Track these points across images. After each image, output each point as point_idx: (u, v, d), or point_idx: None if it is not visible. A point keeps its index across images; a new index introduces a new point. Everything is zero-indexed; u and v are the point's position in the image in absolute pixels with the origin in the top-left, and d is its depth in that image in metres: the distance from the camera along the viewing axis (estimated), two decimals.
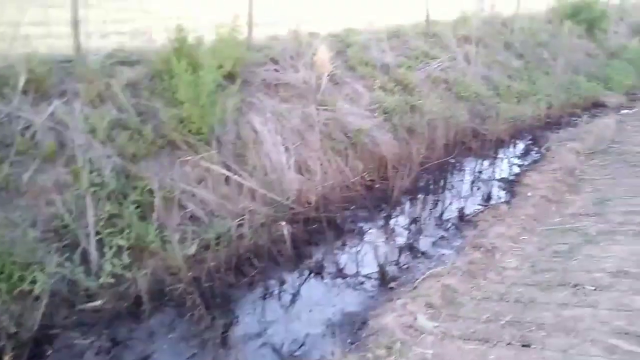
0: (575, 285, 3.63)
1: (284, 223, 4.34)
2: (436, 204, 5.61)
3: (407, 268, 4.24)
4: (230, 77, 5.46)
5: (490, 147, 7.18)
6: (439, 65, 8.21)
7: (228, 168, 4.70)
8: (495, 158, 7.12)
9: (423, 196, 5.77)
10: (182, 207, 4.29)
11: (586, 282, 3.65)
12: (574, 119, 9.06)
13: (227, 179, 4.65)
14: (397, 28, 9.05)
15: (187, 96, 4.50)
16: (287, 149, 5.29)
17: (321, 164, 5.44)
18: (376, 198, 5.49)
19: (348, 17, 10.03)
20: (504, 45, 10.44)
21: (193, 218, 4.30)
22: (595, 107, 9.96)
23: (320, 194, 5.17)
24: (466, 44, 9.41)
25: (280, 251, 4.28)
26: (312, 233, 4.68)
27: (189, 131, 4.63)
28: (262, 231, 4.39)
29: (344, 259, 4.36)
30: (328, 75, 6.44)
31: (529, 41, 11.11)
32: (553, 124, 8.68)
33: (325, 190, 5.28)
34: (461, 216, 5.22)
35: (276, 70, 6.19)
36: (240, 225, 4.33)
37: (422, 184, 6.02)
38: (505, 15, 11.72)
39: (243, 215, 4.40)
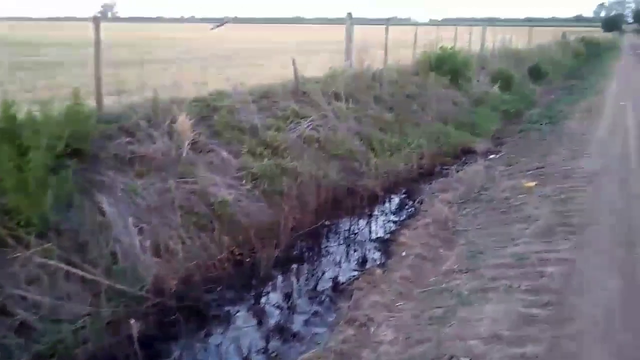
0: (451, 358, 3.41)
1: (132, 320, 3.80)
2: (310, 274, 5.31)
3: (276, 356, 3.84)
4: (75, 154, 4.93)
5: (365, 205, 7.07)
6: (310, 124, 8.09)
7: (68, 261, 4.12)
8: (370, 216, 7.00)
9: (296, 266, 5.45)
10: (8, 314, 3.65)
11: (461, 353, 3.44)
12: (445, 167, 9.25)
13: (67, 274, 4.07)
14: (267, 88, 8.92)
15: (12, 184, 3.92)
16: (141, 230, 4.78)
17: (183, 243, 4.98)
18: (246, 274, 5.09)
19: (216, 79, 9.80)
20: (375, 99, 10.62)
21: (23, 326, 3.67)
22: (465, 154, 10.28)
23: (182, 277, 4.69)
24: (337, 101, 9.44)
25: (128, 355, 3.73)
26: (170, 325, 4.17)
27: (18, 224, 4.03)
28: (107, 332, 3.83)
29: (205, 354, 3.89)
30: (190, 144, 6.06)
31: (398, 94, 11.41)
32: (426, 174, 8.80)
33: (188, 272, 4.80)
34: (336, 286, 4.95)
35: (130, 143, 5.72)
36: (82, 328, 3.75)
37: (295, 252, 5.71)
38: (374, 69, 12.03)
39: (86, 315, 3.83)
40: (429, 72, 13.40)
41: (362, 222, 6.76)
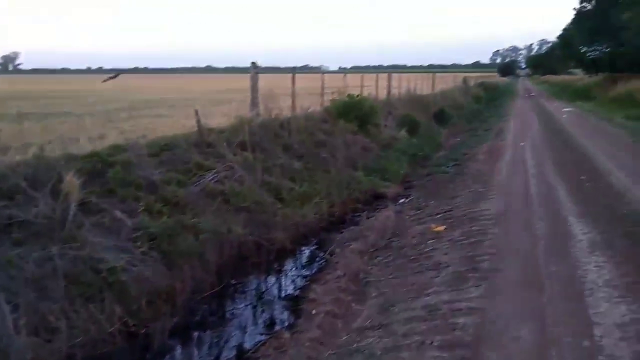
0: None
1: None
2: (212, 342, 4.89)
3: None
4: None
5: (274, 260, 6.75)
6: (214, 177, 7.75)
7: None
8: (279, 272, 6.69)
9: (197, 334, 5.02)
10: None
11: None
12: (357, 215, 9.13)
13: None
14: (169, 140, 8.53)
15: None
16: (15, 307, 4.22)
17: (67, 318, 4.44)
18: (139, 348, 4.60)
19: (117, 132, 9.33)
20: (283, 148, 10.45)
21: None
22: (376, 199, 10.24)
23: (64, 358, 4.14)
24: (243, 151, 9.18)
25: None
26: None
27: None
28: None
29: None
30: (78, 205, 5.55)
31: (307, 142, 11.31)
32: (337, 223, 8.63)
33: (73, 350, 4.26)
34: (240, 354, 4.56)
35: (7, 207, 5.14)
36: None
37: (196, 318, 5.29)
38: (283, 117, 11.92)
39: None
40: (337, 119, 13.48)
41: (271, 279, 6.43)
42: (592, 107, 28.76)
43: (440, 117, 22.83)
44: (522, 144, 14.98)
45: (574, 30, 48.35)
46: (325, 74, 19.69)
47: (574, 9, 46.58)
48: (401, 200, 10.28)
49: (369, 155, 12.92)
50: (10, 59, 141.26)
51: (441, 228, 7.45)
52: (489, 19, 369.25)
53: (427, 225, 7.76)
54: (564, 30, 57.24)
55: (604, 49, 44.10)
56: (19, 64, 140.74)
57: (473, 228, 7.09)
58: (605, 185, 9.08)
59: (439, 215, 8.31)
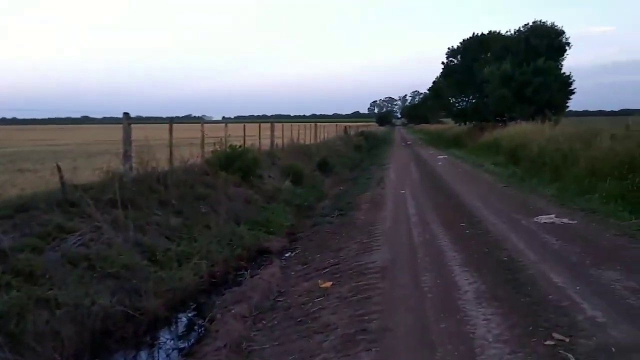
0: None
1: None
2: None
3: None
4: None
5: (146, 331, 6.05)
6: (78, 240, 6.94)
7: None
8: (151, 345, 5.99)
9: None
10: None
11: None
12: (240, 273, 8.63)
13: None
14: (26, 200, 7.60)
15: None
16: None
17: None
18: None
19: None
20: (160, 204, 9.79)
21: None
22: (261, 254, 9.81)
23: None
24: (115, 209, 8.43)
25: None
26: None
27: None
28: None
29: None
30: None
31: (187, 196, 10.71)
32: (219, 284, 8.06)
33: None
34: None
35: None
36: None
37: None
38: (160, 170, 11.25)
39: None
40: (219, 171, 13.00)
41: (141, 356, 5.72)
42: (463, 154, 30.52)
43: (324, 167, 23.05)
44: (402, 191, 15.30)
45: (443, 82, 51.90)
46: (208, 124, 19.20)
47: (442, 62, 50.05)
48: (287, 254, 9.92)
49: (252, 208, 12.50)
50: None
51: (328, 284, 7.14)
52: (367, 72, 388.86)
53: (314, 282, 7.42)
54: (434, 82, 61.41)
55: (470, 100, 47.60)
56: None
57: (360, 283, 6.85)
58: (484, 232, 9.31)
59: (326, 270, 8.02)
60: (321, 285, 7.15)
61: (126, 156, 9.90)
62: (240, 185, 13.55)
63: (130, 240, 7.77)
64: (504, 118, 36.30)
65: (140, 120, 13.42)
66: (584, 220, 10.14)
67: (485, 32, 45.89)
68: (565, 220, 10.04)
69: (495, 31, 44.48)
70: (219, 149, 14.44)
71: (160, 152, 11.92)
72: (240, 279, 8.25)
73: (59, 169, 7.92)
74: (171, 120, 12.14)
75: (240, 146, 14.70)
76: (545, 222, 9.91)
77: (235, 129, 19.75)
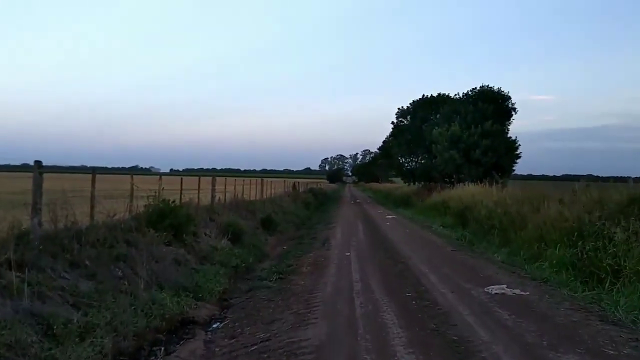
0: None
1: None
2: None
3: None
4: None
5: None
6: None
7: None
8: None
9: None
10: None
11: None
12: (155, 349, 7.47)
13: None
14: None
15: None
16: None
17: None
18: None
19: None
20: (70, 265, 8.60)
21: None
22: (184, 325, 8.67)
23: None
24: (10, 271, 7.23)
25: None
26: None
27: None
28: None
29: None
30: None
31: (105, 256, 9.54)
32: None
33: None
34: None
35: None
36: None
37: None
38: (79, 227, 10.09)
39: None
40: (146, 228, 11.88)
41: None
42: (412, 214, 30.18)
43: (268, 224, 22.07)
44: (347, 253, 14.50)
45: (393, 142, 52.38)
46: (149, 176, 18.16)
47: (392, 122, 50.65)
48: (215, 325, 8.83)
49: (183, 270, 11.37)
50: None
51: None
52: (319, 129, 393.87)
53: None
54: (384, 141, 62.04)
55: (419, 161, 48.04)
56: None
57: None
58: (432, 303, 8.53)
59: (254, 347, 6.99)
60: None
61: (35, 209, 8.73)
62: (171, 244, 12.43)
63: (22, 310, 6.57)
64: (452, 179, 36.51)
65: (61, 169, 12.30)
66: (536, 291, 9.52)
67: (435, 94, 46.86)
68: (517, 291, 9.39)
69: (445, 94, 45.47)
70: (152, 203, 13.35)
71: (84, 206, 10.82)
72: (152, 358, 7.08)
73: None
74: (93, 170, 11.05)
75: (173, 201, 13.62)
76: (496, 293, 9.23)
77: (175, 182, 18.72)
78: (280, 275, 12.06)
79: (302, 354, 6.25)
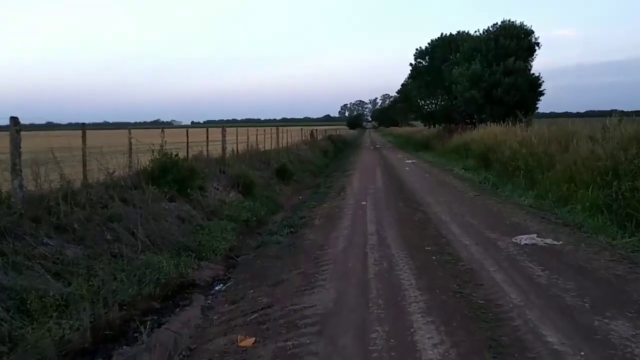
0: None
1: None
2: None
3: None
4: None
5: None
6: None
7: None
8: None
9: None
10: None
11: None
12: (148, 318, 6.76)
13: None
14: None
15: None
16: None
17: None
18: None
19: None
20: (56, 230, 7.87)
21: None
22: (183, 290, 7.95)
23: None
24: None
25: None
26: None
27: None
28: None
29: None
30: None
31: (97, 217, 8.80)
32: (113, 339, 6.14)
33: None
34: None
35: None
36: None
37: None
38: (72, 187, 9.36)
39: None
40: (148, 184, 11.11)
41: None
42: (432, 158, 29.10)
43: (282, 174, 21.20)
44: (363, 203, 13.63)
45: (412, 85, 50.57)
46: (170, 129, 17.44)
47: (410, 64, 48.76)
48: (217, 288, 8.12)
49: (185, 228, 10.63)
50: None
51: (250, 342, 5.37)
52: (338, 75, 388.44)
53: (235, 336, 5.63)
54: (403, 85, 60.09)
55: (439, 102, 46.39)
56: None
57: (289, 343, 5.09)
58: (454, 258, 7.66)
59: (254, 315, 6.23)
60: (240, 344, 5.38)
61: (14, 171, 7.95)
62: (175, 200, 11.67)
63: None
64: (474, 120, 35.10)
65: (54, 126, 11.53)
66: (570, 239, 8.57)
67: (454, 32, 44.68)
68: (548, 240, 8.46)
69: (464, 31, 43.31)
70: (156, 157, 12.55)
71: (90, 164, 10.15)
72: (144, 327, 6.33)
73: None
74: (83, 126, 10.20)
75: (176, 155, 12.79)
76: (525, 244, 8.31)
77: (197, 134, 17.97)
78: (292, 229, 11.30)
79: (303, 326, 5.46)
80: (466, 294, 6.02)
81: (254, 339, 5.42)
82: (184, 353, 5.51)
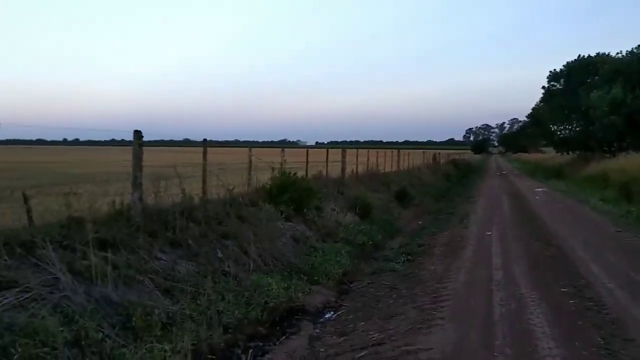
0: None
1: None
2: None
3: None
4: None
5: None
6: (15, 299, 5.05)
7: None
8: None
9: None
10: None
11: None
12: (251, 345, 6.44)
13: None
14: None
15: None
16: None
17: None
18: None
19: None
20: (171, 245, 7.86)
21: None
22: (291, 315, 7.57)
23: None
24: (102, 251, 6.58)
25: None
26: None
27: None
28: None
29: None
30: None
31: (212, 234, 8.74)
32: None
33: None
34: None
35: None
36: None
37: None
38: (193, 202, 9.46)
39: None
40: (263, 202, 11.02)
41: None
42: (565, 187, 26.94)
43: (402, 197, 20.54)
44: (488, 233, 12.62)
45: (544, 109, 47.71)
46: (293, 149, 17.71)
47: (543, 87, 46.12)
48: (327, 316, 7.65)
49: (299, 249, 10.36)
50: None
51: None
52: (463, 98, 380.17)
53: None
54: (534, 109, 56.77)
55: (574, 128, 43.30)
56: None
57: None
58: (595, 304, 6.63)
59: (364, 352, 5.69)
60: None
61: (135, 185, 8.07)
62: (291, 220, 11.46)
63: (100, 298, 5.82)
64: (613, 148, 32.24)
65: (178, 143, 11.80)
66: None
67: (592, 54, 41.61)
68: None
69: (604, 53, 40.16)
70: (275, 175, 12.50)
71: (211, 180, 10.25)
72: (244, 356, 5.98)
73: (25, 199, 6.16)
74: (204, 142, 10.27)
75: (294, 174, 12.64)
76: None
77: (317, 154, 17.96)
78: (409, 257, 10.65)
79: None
80: (614, 350, 5.06)
81: None
82: None
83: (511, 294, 7.16)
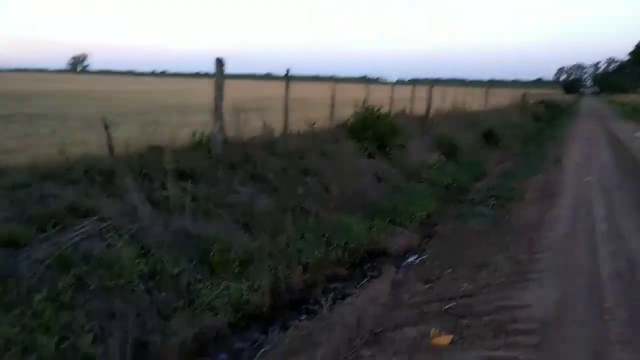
0: None
1: None
2: None
3: None
4: None
5: None
6: (90, 230, 4.92)
7: None
8: None
9: None
10: None
11: None
12: (333, 286, 6.16)
13: None
14: (56, 166, 5.85)
15: None
16: None
17: None
18: None
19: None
20: (252, 179, 7.62)
21: None
22: (372, 258, 7.23)
23: None
24: (183, 181, 6.43)
25: None
26: None
27: None
28: None
29: None
30: None
31: (293, 169, 8.44)
32: (292, 305, 5.61)
33: None
34: None
35: None
36: None
37: None
38: (273, 136, 9.21)
39: None
40: (344, 138, 10.59)
41: None
42: None
43: (490, 138, 19.47)
44: (586, 179, 11.64)
45: None
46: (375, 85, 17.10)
47: None
48: (410, 260, 7.26)
49: (381, 188, 9.93)
50: (79, 60, 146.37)
51: (445, 341, 4.41)
52: (555, 34, 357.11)
53: (427, 327, 4.72)
54: (637, 46, 52.18)
55: None
56: (86, 65, 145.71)
57: (495, 354, 4.02)
58: None
59: (452, 303, 5.25)
60: (433, 340, 4.45)
61: (217, 116, 7.80)
62: (374, 157, 10.99)
63: (179, 231, 5.66)
64: None
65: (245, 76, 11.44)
66: None
67: None
68: None
69: None
70: (357, 112, 11.99)
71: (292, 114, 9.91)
72: (328, 296, 5.66)
73: (105, 127, 6.01)
74: (287, 76, 9.81)
75: (378, 109, 12.06)
76: None
77: (401, 92, 17.22)
78: (498, 200, 9.98)
79: (515, 332, 4.34)
80: None
81: (450, 337, 4.45)
82: (366, 337, 4.73)
83: (620, 250, 6.44)
